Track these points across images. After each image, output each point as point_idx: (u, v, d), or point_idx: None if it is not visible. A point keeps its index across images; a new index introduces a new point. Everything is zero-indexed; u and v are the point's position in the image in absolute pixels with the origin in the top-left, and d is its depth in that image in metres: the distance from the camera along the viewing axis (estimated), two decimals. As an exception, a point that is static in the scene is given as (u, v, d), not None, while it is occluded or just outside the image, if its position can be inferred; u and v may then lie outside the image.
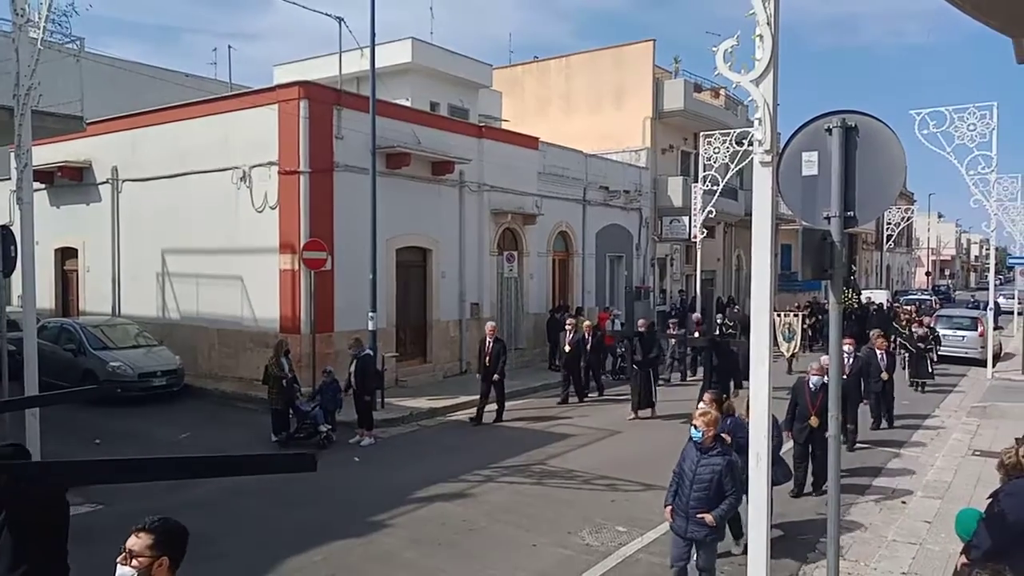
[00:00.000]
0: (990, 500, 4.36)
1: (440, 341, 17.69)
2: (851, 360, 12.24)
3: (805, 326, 22.21)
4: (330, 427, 11.80)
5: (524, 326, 20.22)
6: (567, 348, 15.89)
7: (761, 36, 4.48)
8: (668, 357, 18.54)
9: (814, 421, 9.26)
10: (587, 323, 16.91)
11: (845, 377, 11.98)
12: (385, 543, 7.73)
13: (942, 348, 19.62)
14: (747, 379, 18.21)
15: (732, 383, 14.19)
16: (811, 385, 9.48)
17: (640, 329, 15.22)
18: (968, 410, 14.92)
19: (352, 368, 12.09)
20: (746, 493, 5.11)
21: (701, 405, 7.07)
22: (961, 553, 4.53)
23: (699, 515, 5.79)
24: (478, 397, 13.67)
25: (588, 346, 16.06)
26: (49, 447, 8.96)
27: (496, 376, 13.61)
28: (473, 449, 11.65)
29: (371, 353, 12.73)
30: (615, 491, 9.51)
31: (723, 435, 6.85)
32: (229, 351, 16.09)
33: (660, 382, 15.90)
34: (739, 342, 16.58)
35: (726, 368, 14.22)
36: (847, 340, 12.70)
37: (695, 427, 5.97)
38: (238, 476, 2.88)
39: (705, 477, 5.83)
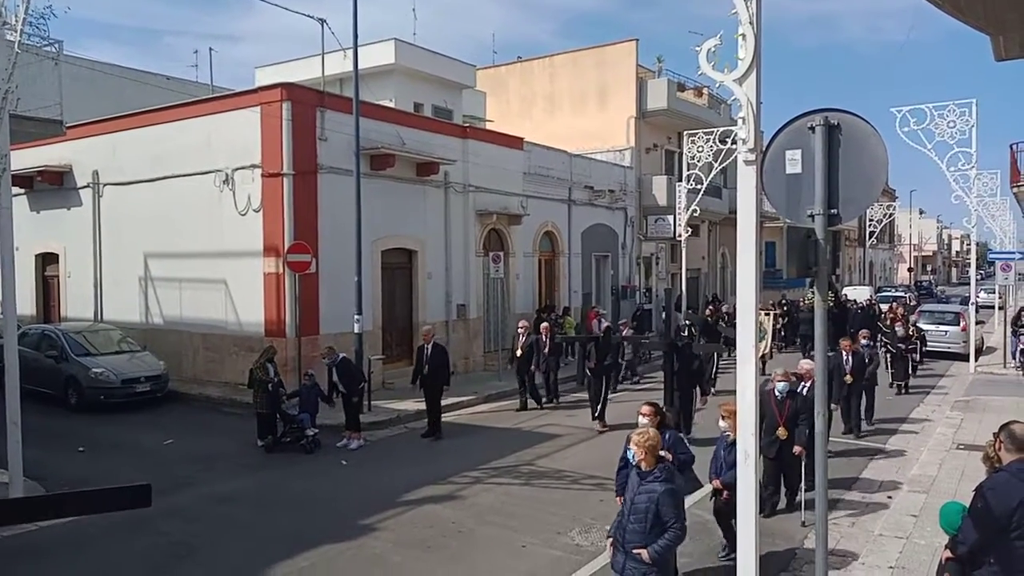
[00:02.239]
0: (975, 494, 4.39)
1: (427, 343, 17.62)
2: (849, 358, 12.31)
3: (778, 326, 21.51)
4: (316, 431, 11.74)
5: (511, 326, 20.17)
6: (518, 352, 14.87)
7: (743, 35, 4.49)
8: (621, 361, 16.70)
9: (782, 432, 8.42)
10: (544, 324, 15.94)
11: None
12: (373, 547, 7.69)
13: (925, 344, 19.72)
14: (715, 385, 17.39)
15: (698, 390, 13.06)
16: (777, 392, 8.55)
17: (597, 333, 14.35)
18: (952, 404, 15.06)
19: (335, 377, 12.02)
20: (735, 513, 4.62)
21: (641, 419, 6.39)
22: (946, 547, 4.56)
23: (635, 550, 5.03)
24: (425, 409, 12.62)
25: (547, 349, 14.92)
26: (32, 455, 8.85)
27: (444, 387, 12.68)
28: (461, 451, 11.62)
29: (346, 356, 12.54)
30: (604, 491, 9.48)
31: (662, 452, 5.93)
32: (214, 356, 15.97)
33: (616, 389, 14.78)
34: (702, 345, 15.47)
35: (688, 374, 12.43)
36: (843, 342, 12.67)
37: (628, 447, 5.32)
38: (65, 518, 2.45)
39: (641, 507, 5.06)
